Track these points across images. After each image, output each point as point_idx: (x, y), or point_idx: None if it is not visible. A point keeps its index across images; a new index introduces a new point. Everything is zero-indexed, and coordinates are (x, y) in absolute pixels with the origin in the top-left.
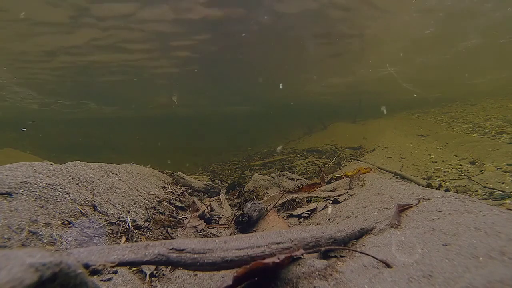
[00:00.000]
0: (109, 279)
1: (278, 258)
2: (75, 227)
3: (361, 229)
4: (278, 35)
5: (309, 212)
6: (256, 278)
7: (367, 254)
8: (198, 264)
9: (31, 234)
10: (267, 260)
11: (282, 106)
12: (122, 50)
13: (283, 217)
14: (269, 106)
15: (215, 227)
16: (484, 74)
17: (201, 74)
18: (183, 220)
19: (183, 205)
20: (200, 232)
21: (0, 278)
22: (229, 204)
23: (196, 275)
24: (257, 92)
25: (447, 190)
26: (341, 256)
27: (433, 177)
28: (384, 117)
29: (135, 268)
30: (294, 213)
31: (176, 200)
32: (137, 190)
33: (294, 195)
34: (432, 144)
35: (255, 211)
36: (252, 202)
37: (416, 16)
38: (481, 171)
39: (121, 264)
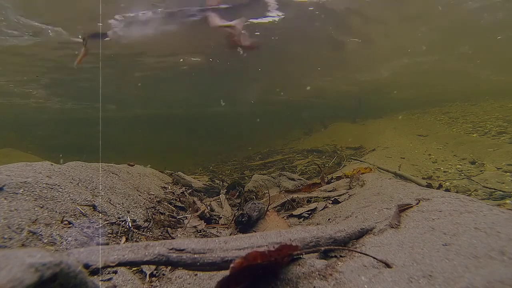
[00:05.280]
0: (109, 279)
1: (274, 247)
2: (75, 227)
3: (361, 229)
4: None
5: (309, 212)
6: (255, 278)
7: (367, 254)
8: (198, 264)
9: (31, 234)
10: (263, 249)
11: (283, 105)
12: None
13: (283, 217)
14: (270, 106)
15: (215, 227)
16: None
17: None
18: (183, 220)
19: (183, 205)
20: (200, 232)
21: (0, 278)
22: (229, 204)
23: (196, 275)
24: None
25: (447, 190)
26: (341, 256)
27: (433, 177)
28: (384, 117)
29: (135, 268)
30: (294, 213)
31: (176, 200)
32: (137, 190)
33: (294, 195)
34: (432, 144)
35: (255, 211)
36: (252, 202)
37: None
38: (481, 171)
39: (121, 264)
